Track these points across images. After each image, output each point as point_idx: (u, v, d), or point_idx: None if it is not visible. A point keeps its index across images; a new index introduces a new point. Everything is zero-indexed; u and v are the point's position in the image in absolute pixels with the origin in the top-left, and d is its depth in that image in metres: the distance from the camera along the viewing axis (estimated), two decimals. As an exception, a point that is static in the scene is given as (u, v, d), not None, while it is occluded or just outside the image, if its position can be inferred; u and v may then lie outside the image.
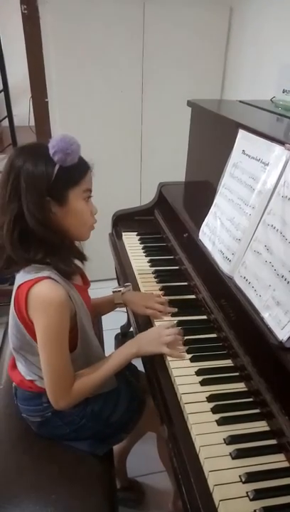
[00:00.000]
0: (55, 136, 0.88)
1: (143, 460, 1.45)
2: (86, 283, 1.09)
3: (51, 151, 0.86)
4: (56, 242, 0.91)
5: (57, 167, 0.87)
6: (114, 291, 1.21)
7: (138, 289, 1.30)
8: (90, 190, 0.96)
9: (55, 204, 0.89)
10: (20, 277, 0.91)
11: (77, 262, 1.05)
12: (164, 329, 1.03)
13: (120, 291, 1.20)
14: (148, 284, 1.31)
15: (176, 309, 1.16)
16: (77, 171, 0.91)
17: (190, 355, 1.00)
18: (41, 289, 0.88)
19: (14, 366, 1.08)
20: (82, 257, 1.04)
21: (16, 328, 0.95)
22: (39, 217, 0.87)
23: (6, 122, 3.05)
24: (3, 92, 2.95)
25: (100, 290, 1.23)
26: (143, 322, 1.17)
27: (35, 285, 0.87)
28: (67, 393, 0.95)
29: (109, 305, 1.23)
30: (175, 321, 1.11)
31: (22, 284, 0.89)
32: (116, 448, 1.24)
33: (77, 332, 0.97)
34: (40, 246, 0.90)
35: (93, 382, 0.98)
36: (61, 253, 0.93)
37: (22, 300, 0.89)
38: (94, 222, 0.99)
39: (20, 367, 1.05)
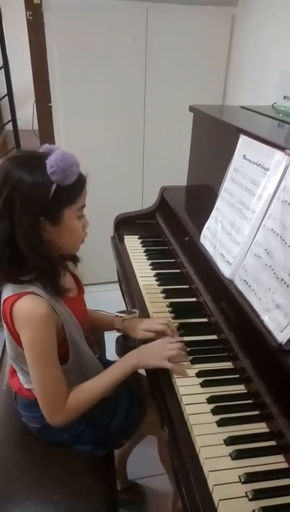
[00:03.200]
0: (54, 154, 0.83)
1: (144, 462, 1.46)
2: (81, 291, 1.07)
3: (49, 170, 0.82)
4: (47, 265, 0.88)
5: (54, 186, 0.83)
6: (116, 315, 1.17)
7: (140, 292, 1.31)
8: (84, 206, 0.93)
9: (48, 223, 0.86)
10: (5, 291, 0.89)
11: (71, 265, 1.05)
12: (168, 343, 1.00)
13: (122, 317, 1.15)
14: (149, 286, 1.32)
15: (183, 338, 1.06)
16: (74, 190, 0.87)
17: (190, 358, 1.01)
18: (23, 304, 0.86)
19: (13, 373, 1.08)
20: (76, 260, 1.03)
21: (9, 340, 0.95)
22: (32, 240, 0.84)
23: (10, 126, 3.08)
24: (7, 97, 2.98)
25: (101, 293, 1.23)
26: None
27: (17, 301, 0.86)
28: (61, 409, 0.92)
29: (107, 325, 1.19)
30: (181, 335, 1.08)
31: (6, 299, 0.88)
32: (116, 450, 1.25)
33: (68, 344, 0.95)
34: (30, 268, 0.87)
35: (90, 397, 0.95)
36: (51, 276, 0.90)
37: (7, 315, 0.88)
38: (85, 236, 0.96)
39: (18, 375, 1.05)
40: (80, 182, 0.89)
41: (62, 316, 0.92)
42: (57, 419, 0.93)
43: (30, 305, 0.86)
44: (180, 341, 1.02)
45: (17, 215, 0.82)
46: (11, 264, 0.86)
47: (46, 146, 0.91)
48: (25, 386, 1.03)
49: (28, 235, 0.83)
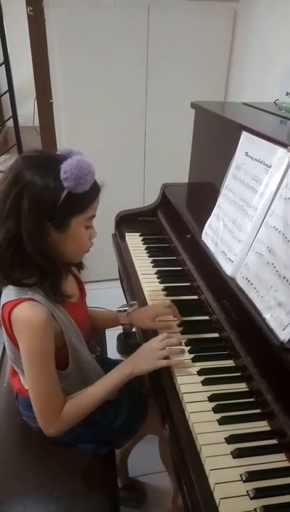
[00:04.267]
0: (69, 160, 0.80)
1: (145, 460, 1.46)
2: (82, 295, 1.06)
3: (62, 176, 0.79)
4: (51, 269, 0.87)
5: (65, 192, 0.80)
6: (119, 311, 1.15)
7: (142, 290, 1.30)
8: (94, 216, 0.90)
9: (54, 229, 0.84)
10: (5, 296, 0.89)
11: (74, 269, 1.04)
12: (157, 343, 0.98)
13: (125, 310, 1.14)
14: (150, 284, 1.32)
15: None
16: (86, 199, 0.85)
17: (192, 355, 1.01)
18: (22, 311, 0.85)
19: (14, 373, 1.07)
20: (80, 267, 1.02)
21: (8, 343, 0.94)
22: (37, 243, 0.82)
23: (10, 123, 3.08)
24: (8, 93, 2.98)
25: (103, 291, 1.23)
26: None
27: (16, 307, 0.85)
28: (57, 418, 0.90)
29: (111, 322, 1.18)
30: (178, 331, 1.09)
31: (5, 303, 0.87)
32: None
33: (67, 350, 0.94)
34: (33, 271, 0.86)
35: (86, 406, 0.93)
36: (53, 280, 0.89)
37: (6, 320, 0.87)
38: (90, 246, 0.94)
39: (20, 376, 1.04)
40: (94, 191, 0.86)
41: (62, 323, 0.90)
42: (51, 429, 0.92)
43: (28, 312, 0.84)
44: (169, 337, 1.00)
45: (24, 215, 0.80)
46: (13, 265, 0.85)
47: (65, 148, 0.88)
48: (26, 387, 1.03)
49: (33, 236, 0.82)
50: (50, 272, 0.87)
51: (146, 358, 0.96)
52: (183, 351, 1.00)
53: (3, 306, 0.88)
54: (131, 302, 1.20)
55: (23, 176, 0.80)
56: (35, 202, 0.80)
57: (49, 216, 0.82)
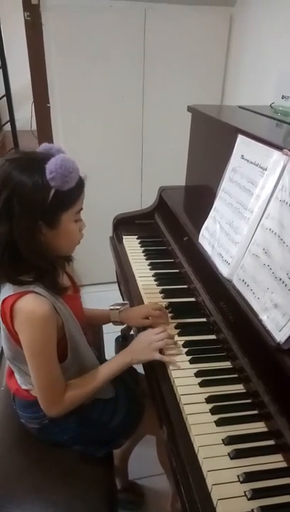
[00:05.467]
0: (54, 160, 0.82)
1: (144, 462, 1.45)
2: (76, 290, 1.08)
3: (48, 176, 0.82)
4: (47, 267, 0.90)
5: (53, 191, 0.83)
6: (111, 309, 1.19)
7: (139, 292, 1.31)
8: (82, 209, 0.93)
9: (45, 227, 0.86)
10: (5, 291, 0.90)
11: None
12: (153, 335, 1.03)
13: (118, 309, 1.18)
14: (148, 287, 1.32)
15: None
16: (73, 194, 0.88)
17: (189, 357, 1.01)
18: (25, 303, 0.86)
19: (11, 375, 1.08)
20: (69, 259, 1.04)
21: (7, 339, 0.95)
22: (31, 242, 0.85)
23: (8, 127, 3.09)
24: (5, 97, 2.99)
25: (100, 294, 1.24)
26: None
27: (19, 300, 0.86)
28: (58, 403, 0.94)
29: (104, 319, 1.21)
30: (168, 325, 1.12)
31: (7, 298, 0.88)
32: (117, 449, 1.25)
33: (66, 342, 0.96)
34: (29, 269, 0.88)
35: (85, 392, 0.98)
36: (50, 276, 0.91)
37: (7, 314, 0.88)
38: (81, 238, 0.97)
39: (16, 376, 1.05)
40: (79, 186, 0.89)
41: (63, 314, 0.93)
42: (53, 411, 0.96)
43: (32, 304, 0.86)
44: (165, 330, 1.06)
45: (16, 219, 0.82)
46: (11, 264, 0.87)
47: (45, 145, 0.91)
48: (23, 387, 1.03)
49: (27, 238, 0.84)
50: (47, 270, 0.90)
51: (144, 350, 1.01)
52: (177, 346, 1.05)
53: (3, 301, 0.89)
54: (123, 302, 1.24)
55: (11, 178, 0.82)
56: (26, 204, 0.82)
57: (40, 215, 0.84)
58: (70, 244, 0.96)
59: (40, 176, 0.82)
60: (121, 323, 1.19)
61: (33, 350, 0.89)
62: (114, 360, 1.03)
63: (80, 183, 0.89)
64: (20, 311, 0.87)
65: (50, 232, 0.88)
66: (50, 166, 0.82)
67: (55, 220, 0.87)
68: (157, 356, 1.00)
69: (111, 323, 1.22)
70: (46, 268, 0.90)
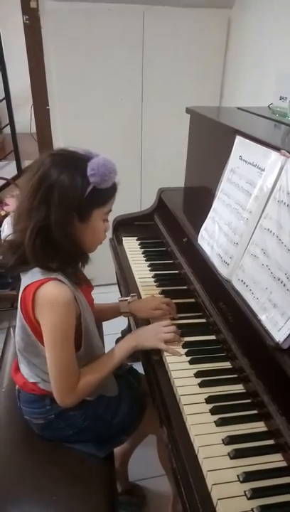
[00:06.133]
0: (96, 159, 0.90)
1: (144, 464, 1.45)
2: (89, 286, 1.11)
3: (89, 172, 0.89)
4: (73, 254, 0.95)
5: (90, 187, 0.89)
6: (120, 300, 1.22)
7: (139, 293, 1.31)
8: (111, 210, 1.00)
9: (77, 220, 0.92)
10: (28, 278, 0.93)
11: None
12: (162, 326, 1.07)
13: (126, 300, 1.21)
14: (148, 287, 1.32)
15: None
16: (107, 194, 0.95)
17: (189, 358, 1.01)
18: (48, 289, 0.90)
19: (17, 369, 1.10)
20: (87, 259, 1.06)
21: (22, 330, 0.97)
22: (64, 230, 0.90)
23: (8, 130, 3.09)
24: (5, 100, 3.00)
25: (101, 295, 1.24)
26: (143, 325, 1.18)
27: (42, 286, 0.89)
28: (73, 391, 0.97)
29: (113, 312, 1.24)
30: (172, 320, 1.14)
31: (29, 285, 0.91)
32: (117, 451, 1.25)
33: (81, 333, 0.99)
34: (58, 255, 0.92)
35: (97, 378, 1.00)
36: (73, 264, 0.97)
37: (29, 301, 0.90)
38: (104, 238, 1.03)
39: (24, 369, 1.06)
40: (113, 188, 0.96)
41: (81, 304, 0.96)
42: (67, 399, 0.98)
43: (55, 290, 0.90)
44: (173, 324, 1.09)
45: (54, 206, 0.88)
46: (42, 250, 0.91)
47: (86, 149, 0.97)
48: (31, 380, 1.04)
49: (61, 225, 0.89)
50: (73, 257, 0.96)
51: (151, 337, 1.05)
52: (180, 341, 1.07)
53: (26, 287, 0.92)
54: (132, 294, 1.26)
55: (53, 172, 0.88)
56: (65, 194, 0.88)
57: (76, 208, 0.90)
58: (95, 241, 1.00)
59: (82, 171, 0.89)
60: (131, 314, 1.21)
61: (54, 336, 0.91)
62: (120, 346, 1.05)
63: (115, 186, 0.97)
64: (43, 296, 0.89)
65: (79, 226, 0.93)
66: (93, 163, 0.89)
67: (87, 214, 0.93)
68: (162, 346, 1.03)
69: (110, 324, 1.23)
70: (71, 257, 0.95)
